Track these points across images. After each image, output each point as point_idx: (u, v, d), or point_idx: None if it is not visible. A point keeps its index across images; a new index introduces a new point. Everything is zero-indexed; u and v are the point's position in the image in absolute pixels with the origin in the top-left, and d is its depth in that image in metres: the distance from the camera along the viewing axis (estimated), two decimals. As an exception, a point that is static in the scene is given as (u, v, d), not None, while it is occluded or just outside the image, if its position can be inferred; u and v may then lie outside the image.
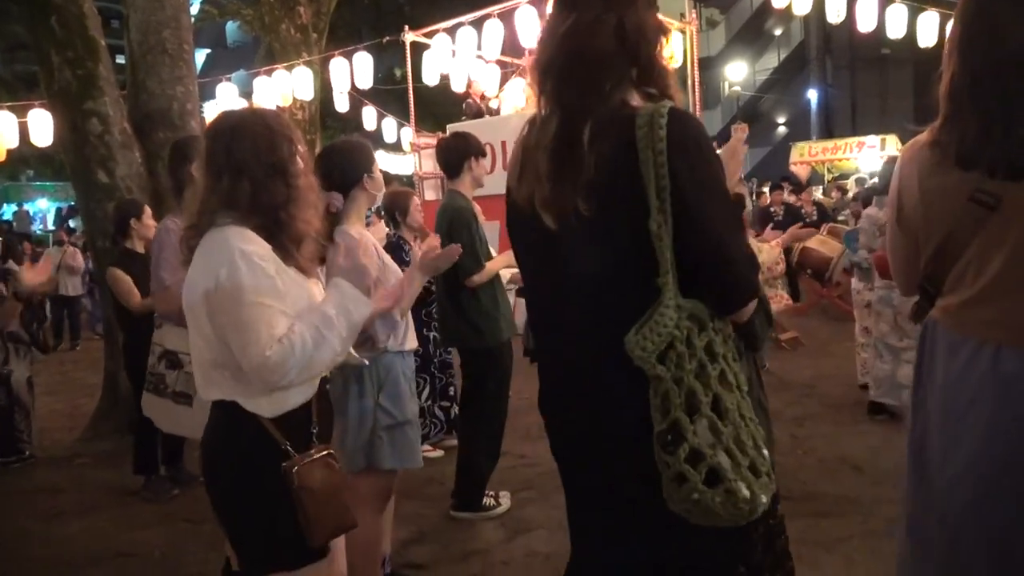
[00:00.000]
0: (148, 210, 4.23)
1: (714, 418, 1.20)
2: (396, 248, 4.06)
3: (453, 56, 8.24)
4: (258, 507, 1.62)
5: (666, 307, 1.21)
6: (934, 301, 1.54)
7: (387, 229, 4.20)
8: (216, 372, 1.63)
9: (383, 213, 4.51)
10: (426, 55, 8.45)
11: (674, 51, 7.68)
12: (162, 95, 5.33)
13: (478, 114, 8.89)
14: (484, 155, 3.56)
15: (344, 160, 2.49)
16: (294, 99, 8.62)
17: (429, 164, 8.83)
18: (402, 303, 2.23)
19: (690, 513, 1.21)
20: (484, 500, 3.51)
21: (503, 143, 7.46)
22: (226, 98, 9.17)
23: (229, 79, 9.31)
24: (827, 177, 17.02)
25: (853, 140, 17.33)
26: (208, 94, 9.34)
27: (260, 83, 8.68)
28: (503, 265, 3.44)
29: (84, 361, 8.50)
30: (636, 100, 1.30)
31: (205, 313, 1.59)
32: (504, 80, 9.03)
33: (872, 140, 16.50)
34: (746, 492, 1.19)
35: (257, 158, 1.62)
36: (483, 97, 9.07)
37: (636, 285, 1.24)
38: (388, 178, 6.73)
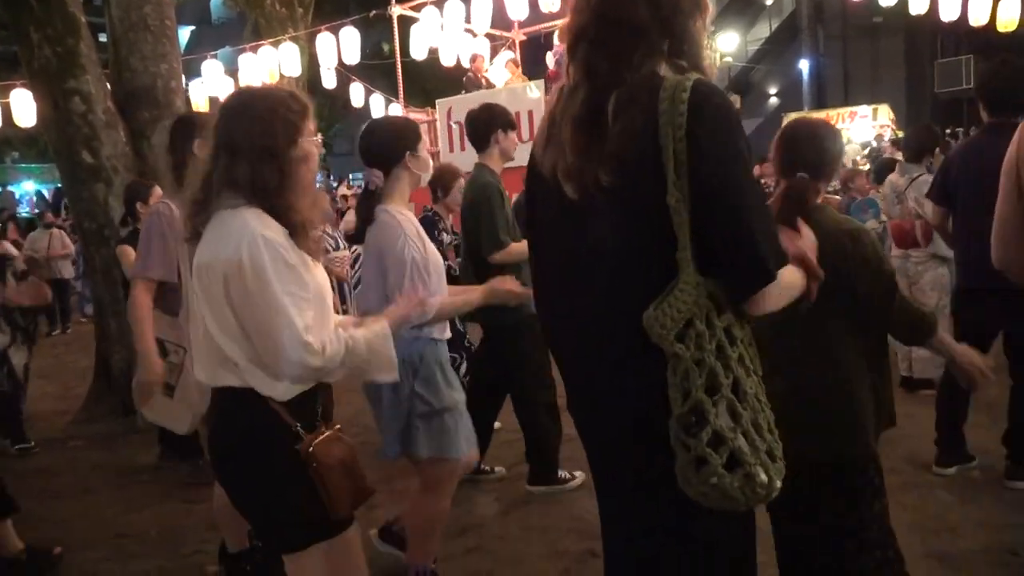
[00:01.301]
0: (157, 191, 4.03)
1: (734, 400, 1.18)
2: (430, 224, 3.99)
3: (442, 30, 8.14)
4: (278, 489, 1.64)
5: (685, 284, 1.18)
6: None
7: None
8: (229, 357, 1.60)
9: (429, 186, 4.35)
10: (414, 29, 8.36)
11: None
12: (145, 73, 5.24)
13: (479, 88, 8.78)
14: (513, 127, 3.44)
15: (385, 137, 2.42)
16: (281, 76, 8.52)
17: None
18: (430, 310, 2.13)
19: (706, 497, 1.19)
20: (559, 474, 3.49)
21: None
22: (211, 76, 9.07)
23: (215, 56, 9.20)
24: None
25: (845, 110, 17.26)
26: (193, 72, 9.22)
27: (246, 60, 8.58)
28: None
29: (75, 344, 8.47)
30: (666, 72, 1.26)
31: (223, 296, 1.56)
32: (493, 54, 8.93)
33: (864, 110, 16.44)
34: (764, 476, 1.17)
35: (251, 140, 1.59)
36: (516, 64, 8.97)
37: (655, 260, 1.21)
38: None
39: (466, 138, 7.85)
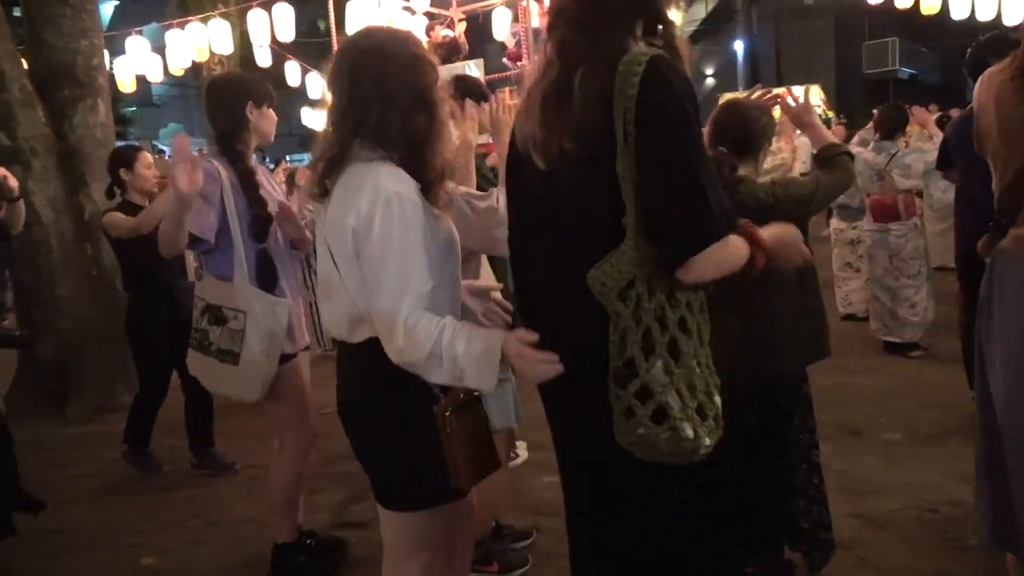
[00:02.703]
0: (145, 157, 3.74)
1: (668, 359, 1.25)
2: None
3: (379, 7, 7.98)
4: (406, 446, 1.57)
5: (627, 247, 1.25)
6: (1006, 232, 1.62)
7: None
8: (364, 313, 1.52)
9: None
10: (350, 6, 8.16)
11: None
12: (64, 49, 5.00)
13: (447, 58, 8.62)
14: (486, 99, 3.28)
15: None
16: (211, 53, 8.23)
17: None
18: None
19: (636, 447, 1.27)
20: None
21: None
22: (137, 53, 8.70)
23: (140, 32, 8.81)
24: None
25: (779, 90, 17.61)
26: (117, 49, 8.83)
27: (173, 36, 8.24)
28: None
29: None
30: (636, 50, 1.32)
31: (352, 252, 1.48)
32: (430, 29, 8.81)
33: (797, 90, 16.80)
34: (690, 432, 1.25)
35: (405, 87, 1.48)
36: (456, 39, 8.82)
37: (607, 225, 1.28)
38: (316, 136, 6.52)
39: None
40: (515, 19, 8.59)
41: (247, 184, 2.40)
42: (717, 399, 1.32)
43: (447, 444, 1.51)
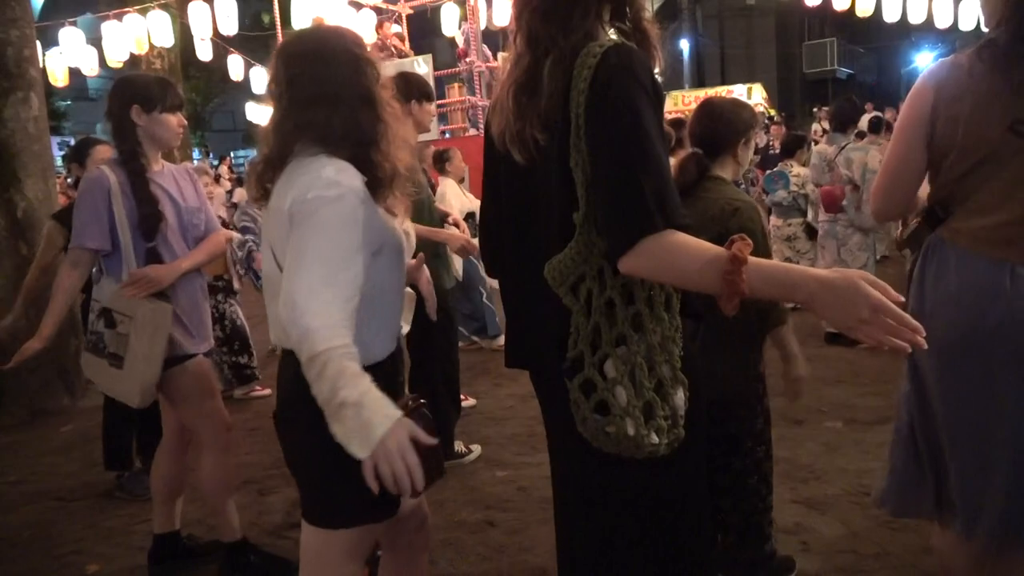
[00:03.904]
0: (98, 152, 3.48)
1: (615, 355, 1.25)
2: None
3: (324, 1, 7.86)
4: (343, 459, 1.36)
5: (577, 242, 1.24)
6: (935, 225, 1.68)
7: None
8: None
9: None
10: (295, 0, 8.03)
11: None
12: (-7, 40, 4.79)
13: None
14: (429, 98, 3.35)
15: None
16: (151, 46, 8.00)
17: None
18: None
19: (591, 438, 1.29)
20: (456, 447, 3.50)
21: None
22: (70, 45, 8.40)
23: (74, 23, 8.51)
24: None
25: (723, 88, 18.01)
26: (50, 40, 8.51)
27: (110, 28, 7.98)
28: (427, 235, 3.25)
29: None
30: (603, 36, 1.31)
31: (287, 241, 1.37)
32: (379, 26, 8.73)
33: (740, 88, 17.22)
34: (631, 430, 1.24)
35: (348, 87, 1.44)
36: (401, 38, 8.72)
37: (565, 219, 1.26)
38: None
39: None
40: (464, 17, 8.58)
41: (135, 184, 2.37)
42: (678, 399, 1.28)
43: None
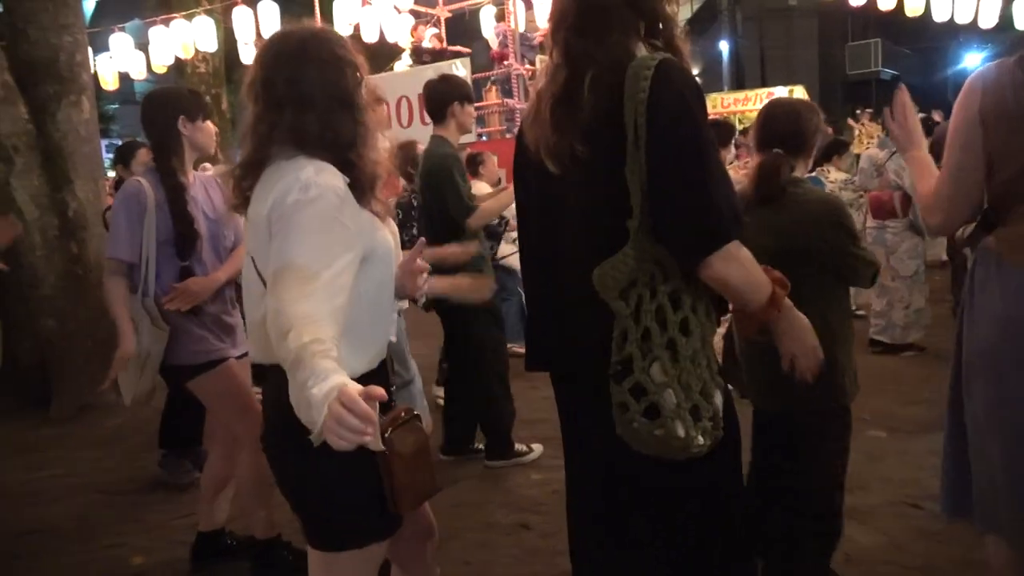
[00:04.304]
0: (141, 154, 3.55)
1: (665, 359, 1.28)
2: (407, 207, 3.80)
3: (363, 5, 7.95)
4: (337, 479, 1.40)
5: (631, 248, 1.29)
6: (989, 228, 1.64)
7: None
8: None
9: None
10: (336, 3, 8.13)
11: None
12: (46, 44, 4.93)
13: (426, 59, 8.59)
14: (470, 100, 3.41)
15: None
16: (196, 51, 8.17)
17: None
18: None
19: (631, 440, 1.31)
20: (516, 447, 3.52)
21: (420, 96, 7.30)
22: (119, 50, 8.62)
23: (123, 29, 8.73)
24: (739, 128, 17.44)
25: (763, 91, 17.75)
26: (100, 46, 8.74)
27: (157, 33, 8.17)
28: (500, 207, 3.34)
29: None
30: (641, 51, 1.36)
31: (268, 245, 1.33)
32: (414, 29, 8.79)
33: (781, 91, 16.94)
34: (681, 432, 1.28)
35: (322, 89, 1.41)
36: (440, 39, 8.80)
37: (614, 228, 1.30)
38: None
39: (392, 115, 7.73)
40: (499, 18, 8.60)
41: (174, 200, 2.43)
42: (717, 400, 1.35)
43: (386, 468, 1.36)
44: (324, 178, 1.36)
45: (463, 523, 2.96)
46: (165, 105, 2.48)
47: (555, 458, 3.57)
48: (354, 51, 1.49)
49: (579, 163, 1.35)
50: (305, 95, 1.41)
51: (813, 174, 5.86)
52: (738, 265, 1.31)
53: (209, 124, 2.52)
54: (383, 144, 1.54)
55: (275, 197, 1.34)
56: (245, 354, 2.65)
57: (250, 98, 1.45)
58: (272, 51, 1.46)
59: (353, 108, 1.45)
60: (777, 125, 2.08)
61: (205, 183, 2.60)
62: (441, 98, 3.34)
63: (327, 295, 1.24)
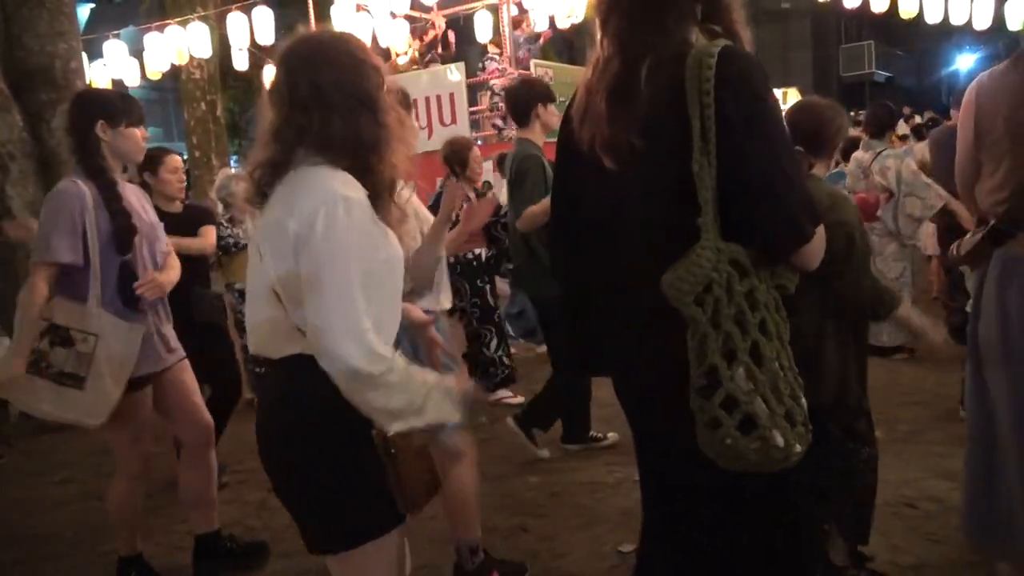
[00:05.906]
0: (171, 160, 3.44)
1: (751, 365, 1.18)
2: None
3: (358, 11, 7.96)
4: (343, 474, 1.41)
5: (704, 248, 1.19)
6: (1000, 241, 1.65)
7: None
8: (298, 325, 1.38)
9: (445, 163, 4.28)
10: (332, 9, 8.14)
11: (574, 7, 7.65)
12: (41, 52, 4.95)
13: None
14: (553, 100, 3.43)
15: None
16: (191, 57, 8.19)
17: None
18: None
19: (722, 458, 1.21)
20: (592, 433, 3.61)
21: (427, 99, 7.32)
22: (114, 57, 8.63)
23: (117, 36, 8.75)
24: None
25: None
26: (95, 52, 8.75)
27: (152, 40, 8.19)
28: (543, 210, 3.32)
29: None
30: (698, 38, 1.27)
31: (293, 257, 1.34)
32: (413, 35, 8.81)
33: (775, 93, 17.02)
34: (780, 440, 1.18)
35: (344, 91, 1.40)
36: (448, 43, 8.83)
37: (680, 226, 1.22)
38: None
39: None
40: (515, 25, 8.61)
41: (108, 198, 2.38)
42: (804, 402, 1.24)
43: (392, 467, 1.38)
44: (351, 192, 1.37)
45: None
46: (84, 108, 2.42)
47: (553, 461, 3.57)
48: (370, 52, 1.48)
49: (636, 157, 1.25)
50: (330, 97, 1.40)
51: (837, 169, 5.86)
52: (819, 240, 1.25)
53: (135, 131, 2.43)
54: (406, 147, 1.51)
55: (305, 211, 1.34)
56: (184, 358, 2.67)
57: (273, 100, 1.45)
58: (295, 54, 1.46)
59: (376, 110, 1.44)
60: (800, 125, 2.13)
61: (131, 189, 2.57)
62: (525, 101, 3.40)
63: (367, 309, 1.33)
